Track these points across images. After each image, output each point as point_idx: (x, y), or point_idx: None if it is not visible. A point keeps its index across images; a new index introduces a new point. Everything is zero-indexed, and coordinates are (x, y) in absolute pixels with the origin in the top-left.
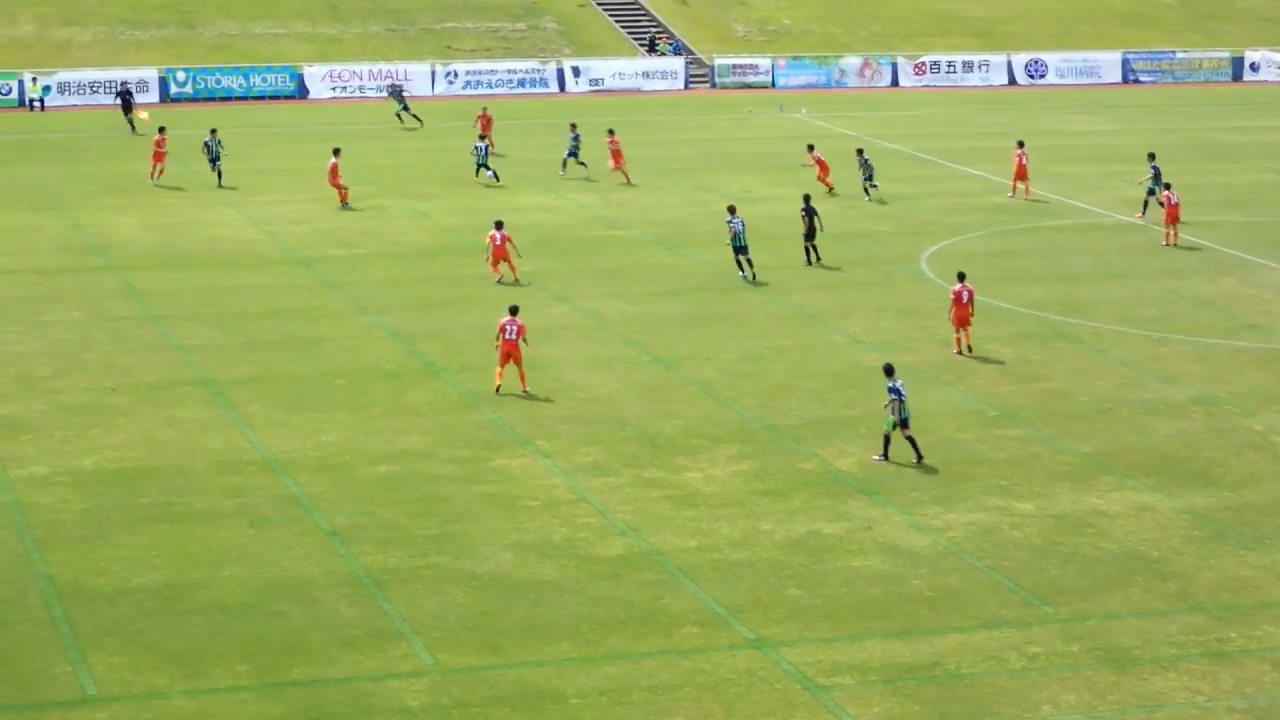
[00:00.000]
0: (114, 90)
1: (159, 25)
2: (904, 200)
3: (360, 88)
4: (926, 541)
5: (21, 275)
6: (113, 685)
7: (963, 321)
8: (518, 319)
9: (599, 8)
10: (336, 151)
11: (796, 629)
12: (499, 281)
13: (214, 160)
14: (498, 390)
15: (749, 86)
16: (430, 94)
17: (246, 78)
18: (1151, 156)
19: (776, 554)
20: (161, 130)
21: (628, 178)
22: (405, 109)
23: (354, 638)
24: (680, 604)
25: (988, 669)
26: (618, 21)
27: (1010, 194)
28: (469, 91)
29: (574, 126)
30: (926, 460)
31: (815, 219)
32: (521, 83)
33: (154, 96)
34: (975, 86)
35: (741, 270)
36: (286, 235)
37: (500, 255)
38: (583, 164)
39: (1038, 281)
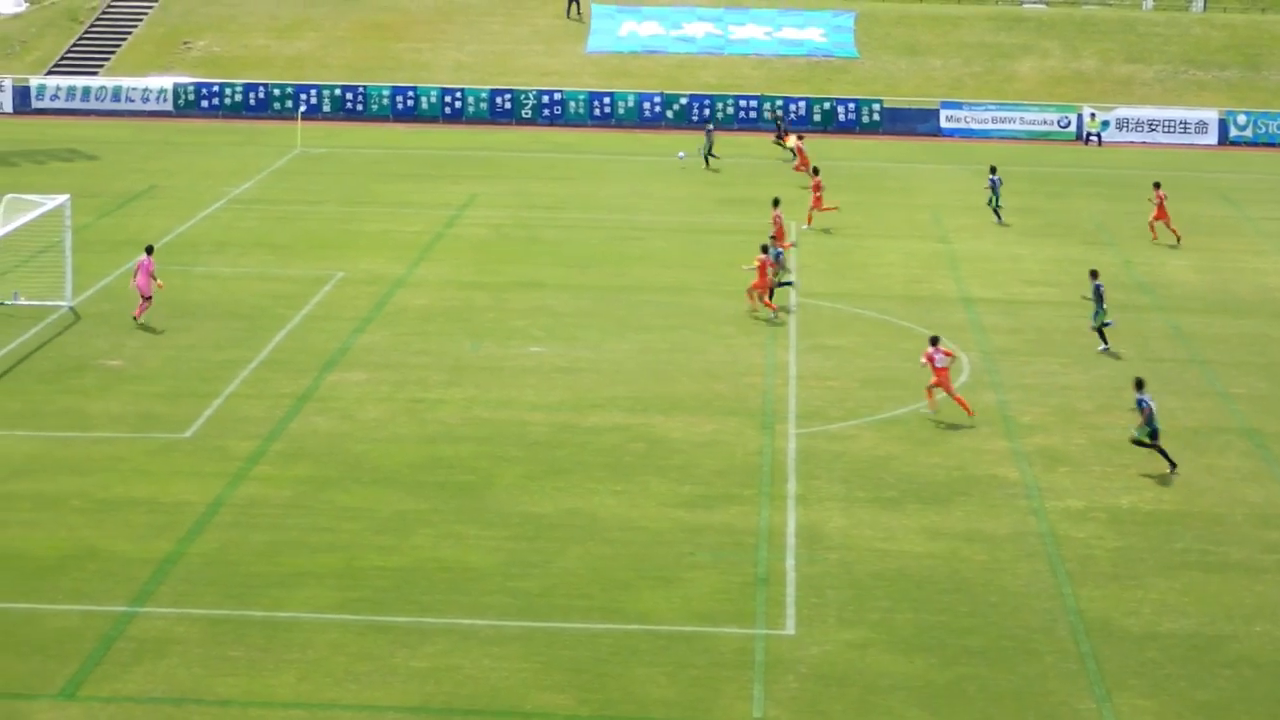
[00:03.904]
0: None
1: (1222, 66)
2: None
3: None
4: None
5: (1068, 307)
6: None
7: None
8: (940, 346)
9: None
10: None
11: None
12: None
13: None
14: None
15: None
16: None
17: None
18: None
19: None
20: (816, 172)
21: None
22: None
23: None
24: None
25: None
26: None
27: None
28: None
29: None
30: None
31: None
32: None
33: (1212, 139)
34: None
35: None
36: None
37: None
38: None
39: None
